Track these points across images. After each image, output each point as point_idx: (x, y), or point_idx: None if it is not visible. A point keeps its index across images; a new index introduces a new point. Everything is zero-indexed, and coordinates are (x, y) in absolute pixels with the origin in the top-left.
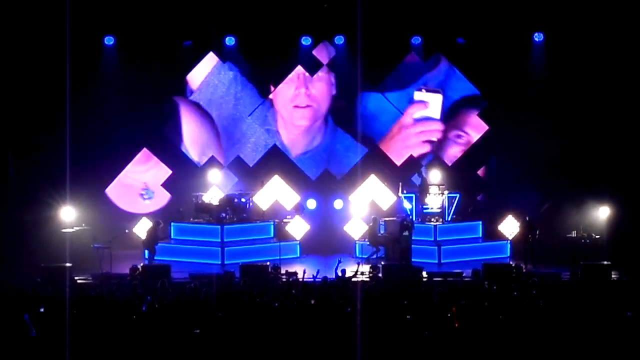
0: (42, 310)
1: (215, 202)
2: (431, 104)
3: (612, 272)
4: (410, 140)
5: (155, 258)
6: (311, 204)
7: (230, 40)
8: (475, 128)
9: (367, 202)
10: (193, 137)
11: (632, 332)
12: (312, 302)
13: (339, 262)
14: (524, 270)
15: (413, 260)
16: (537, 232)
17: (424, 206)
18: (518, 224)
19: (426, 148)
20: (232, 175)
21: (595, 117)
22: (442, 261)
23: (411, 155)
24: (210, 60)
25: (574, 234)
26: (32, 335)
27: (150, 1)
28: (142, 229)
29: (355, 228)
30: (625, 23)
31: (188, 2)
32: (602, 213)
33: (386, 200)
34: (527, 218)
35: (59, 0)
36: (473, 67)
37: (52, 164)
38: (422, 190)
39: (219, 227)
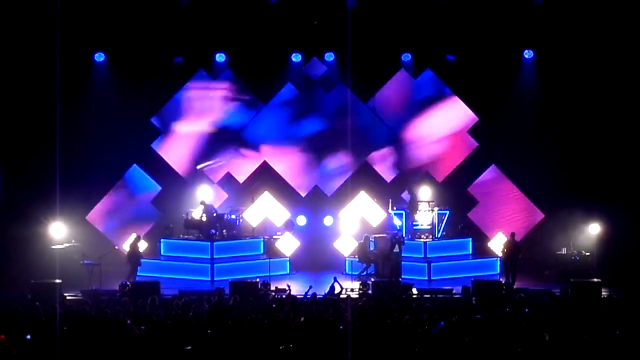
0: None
1: (205, 218)
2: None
3: (602, 290)
4: None
5: (145, 274)
6: (301, 220)
7: (220, 57)
8: (464, 145)
9: (357, 218)
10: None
11: (621, 350)
12: (302, 319)
13: (335, 280)
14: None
15: (403, 276)
16: (520, 254)
17: (414, 223)
18: (505, 241)
19: None
20: (222, 191)
21: (586, 133)
22: (432, 278)
23: (401, 172)
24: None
25: (564, 251)
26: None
27: (141, 18)
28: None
29: (345, 244)
30: (614, 39)
31: (179, 19)
32: (592, 230)
33: (376, 217)
34: (514, 235)
35: (49, 16)
36: (463, 83)
37: (42, 180)
38: (412, 207)
39: (209, 243)
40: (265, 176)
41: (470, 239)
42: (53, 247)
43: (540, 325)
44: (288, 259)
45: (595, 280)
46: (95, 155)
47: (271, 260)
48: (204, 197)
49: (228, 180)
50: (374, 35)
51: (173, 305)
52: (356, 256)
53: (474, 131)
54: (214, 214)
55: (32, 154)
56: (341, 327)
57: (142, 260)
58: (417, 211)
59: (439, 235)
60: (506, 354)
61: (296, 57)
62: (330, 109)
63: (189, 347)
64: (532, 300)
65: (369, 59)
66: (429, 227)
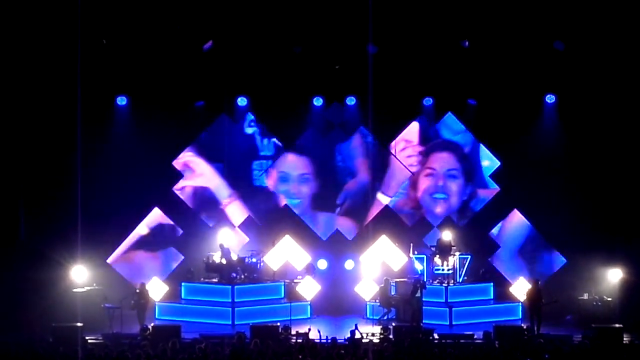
0: None
1: (224, 261)
2: None
3: (624, 335)
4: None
5: (166, 318)
6: (322, 264)
7: (242, 101)
8: (486, 189)
9: (378, 262)
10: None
11: None
12: None
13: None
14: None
15: (424, 321)
16: (543, 299)
17: (435, 267)
18: (528, 287)
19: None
20: (243, 235)
21: (608, 178)
22: (453, 323)
23: (422, 217)
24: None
25: (585, 296)
26: None
27: (163, 62)
28: (152, 288)
29: (367, 289)
30: (636, 84)
31: (200, 63)
32: (613, 276)
33: (397, 261)
34: (539, 282)
35: (71, 60)
36: (484, 128)
37: (64, 223)
38: (442, 250)
39: (230, 287)
40: (286, 220)
41: (492, 283)
42: (74, 290)
43: None
44: (309, 303)
45: (617, 325)
46: (116, 198)
47: (292, 304)
48: (223, 240)
49: (249, 224)
50: (395, 79)
51: (195, 349)
52: (377, 300)
53: (495, 175)
54: (229, 257)
55: (54, 196)
56: None
57: (163, 304)
58: (452, 255)
59: (461, 280)
60: None
61: (317, 101)
62: (351, 152)
63: None
64: (551, 346)
65: (390, 103)
66: (450, 271)
